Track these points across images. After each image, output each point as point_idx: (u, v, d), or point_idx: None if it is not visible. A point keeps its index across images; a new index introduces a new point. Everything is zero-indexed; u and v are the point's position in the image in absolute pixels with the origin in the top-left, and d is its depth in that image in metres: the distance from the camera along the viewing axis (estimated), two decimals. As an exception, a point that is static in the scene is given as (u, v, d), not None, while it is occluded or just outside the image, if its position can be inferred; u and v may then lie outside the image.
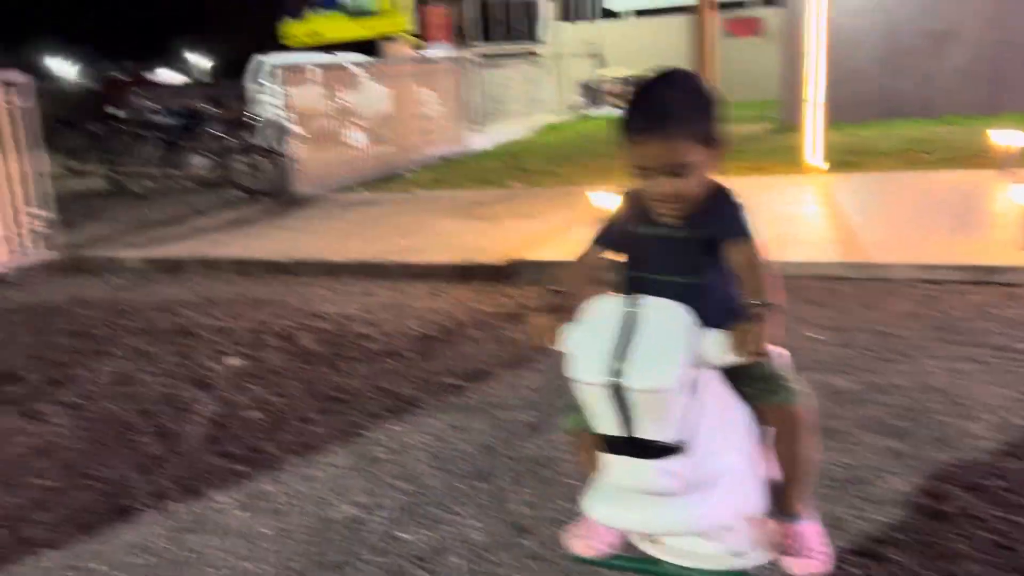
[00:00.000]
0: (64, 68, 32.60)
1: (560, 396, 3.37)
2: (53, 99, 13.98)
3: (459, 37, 16.38)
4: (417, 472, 2.96)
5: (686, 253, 1.58)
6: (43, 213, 6.79)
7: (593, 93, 17.70)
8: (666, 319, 1.45)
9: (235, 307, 5.23)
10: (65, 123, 12.02)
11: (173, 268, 6.45)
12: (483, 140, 12.98)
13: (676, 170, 1.51)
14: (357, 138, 10.95)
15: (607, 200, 5.57)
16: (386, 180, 10.21)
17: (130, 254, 6.75)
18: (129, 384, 3.90)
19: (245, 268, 6.29)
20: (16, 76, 6.64)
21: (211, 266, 6.40)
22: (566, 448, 2.89)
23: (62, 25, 33.50)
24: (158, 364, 4.16)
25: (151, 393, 3.79)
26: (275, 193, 9.22)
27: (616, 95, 17.34)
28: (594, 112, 17.03)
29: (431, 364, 4.07)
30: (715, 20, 11.85)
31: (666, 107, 1.51)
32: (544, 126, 15.26)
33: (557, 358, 1.53)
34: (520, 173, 9.91)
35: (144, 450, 3.26)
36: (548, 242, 6.03)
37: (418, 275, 5.78)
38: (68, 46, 34.55)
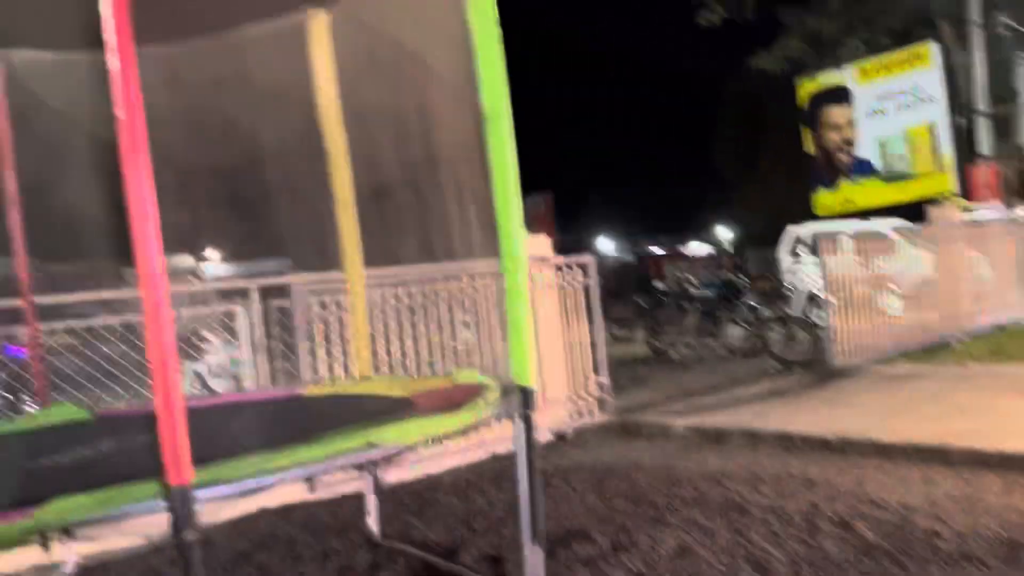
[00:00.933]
0: (608, 246, 36.49)
1: None
2: (601, 273, 15.77)
3: (1016, 195, 14.98)
4: None
5: None
6: (601, 379, 7.46)
7: None
8: None
9: (782, 484, 5.11)
10: (611, 294, 13.34)
11: (716, 438, 6.58)
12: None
13: None
14: (895, 305, 10.42)
15: None
16: (930, 351, 9.48)
17: (675, 421, 7.06)
18: (687, 557, 3.95)
19: (787, 442, 6.17)
20: (586, 258, 7.56)
21: (753, 438, 6.40)
22: None
23: (607, 211, 37.87)
24: (714, 539, 4.17)
25: (710, 571, 3.80)
26: (810, 364, 9.07)
27: None
28: None
29: (1023, 576, 3.51)
30: None
31: None
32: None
33: None
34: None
35: (710, 632, 3.24)
36: None
37: (989, 464, 5.14)
38: (611, 227, 38.78)
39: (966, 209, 13.29)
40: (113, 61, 2.36)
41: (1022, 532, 3.99)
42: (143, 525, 3.91)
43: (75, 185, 5.12)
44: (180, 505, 2.35)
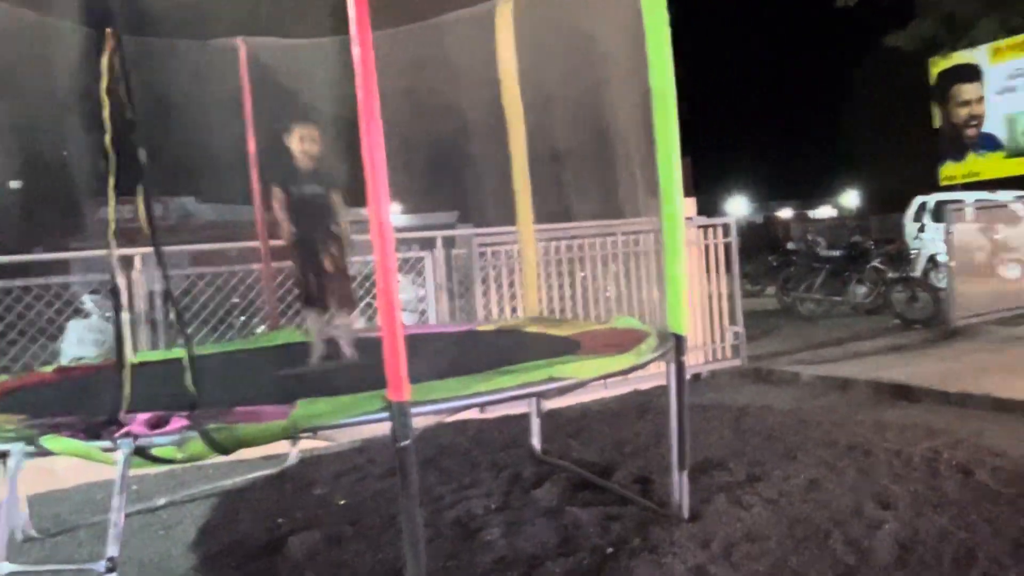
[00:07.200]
0: (738, 207, 35.21)
1: None
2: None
3: None
4: None
5: None
6: (736, 328, 7.33)
7: None
8: None
9: (904, 431, 4.91)
10: (742, 253, 12.94)
11: (842, 386, 6.36)
12: None
13: None
14: (1015, 271, 9.71)
15: None
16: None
17: (803, 370, 6.86)
18: (818, 491, 3.88)
19: (909, 393, 5.90)
20: (727, 219, 7.40)
21: (876, 387, 6.15)
22: None
23: (739, 174, 36.59)
24: (842, 476, 4.08)
25: (838, 503, 3.72)
26: (931, 323, 8.59)
27: None
28: None
29: None
30: None
31: None
32: None
33: None
34: None
35: (838, 556, 3.19)
36: None
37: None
38: (742, 190, 37.45)
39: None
40: (355, 48, 2.49)
41: None
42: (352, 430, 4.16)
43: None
44: (400, 418, 2.52)
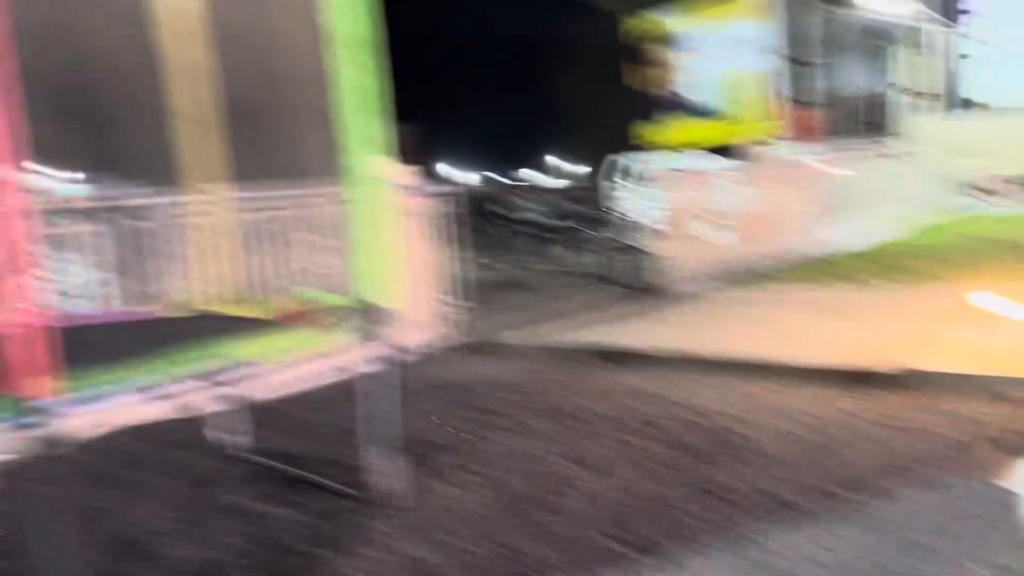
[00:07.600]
0: (453, 174, 36.14)
1: (973, 523, 3.03)
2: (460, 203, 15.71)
3: (824, 136, 15.73)
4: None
5: None
6: (461, 302, 7.54)
7: (970, 190, 16.24)
8: None
9: (614, 394, 5.33)
10: (468, 222, 13.33)
11: (562, 356, 6.77)
12: (844, 238, 12.32)
13: None
14: (715, 235, 10.89)
15: (993, 302, 4.98)
16: (746, 277, 9.98)
17: (519, 340, 7.22)
18: (535, 463, 4.10)
19: (621, 358, 6.44)
20: (454, 188, 7.57)
21: (593, 355, 6.63)
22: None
23: (452, 142, 37.42)
24: (559, 446, 4.34)
25: (554, 474, 3.96)
26: (639, 287, 9.39)
27: (992, 191, 15.77)
28: (973, 209, 15.59)
29: (809, 469, 3.84)
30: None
31: None
32: (911, 225, 14.18)
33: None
34: (884, 271, 9.23)
35: (554, 529, 3.38)
36: (929, 348, 5.52)
37: (789, 375, 5.52)
38: (456, 157, 38.44)
39: (778, 148, 13.86)
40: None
41: (812, 432, 4.35)
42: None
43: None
44: (40, 420, 2.27)
